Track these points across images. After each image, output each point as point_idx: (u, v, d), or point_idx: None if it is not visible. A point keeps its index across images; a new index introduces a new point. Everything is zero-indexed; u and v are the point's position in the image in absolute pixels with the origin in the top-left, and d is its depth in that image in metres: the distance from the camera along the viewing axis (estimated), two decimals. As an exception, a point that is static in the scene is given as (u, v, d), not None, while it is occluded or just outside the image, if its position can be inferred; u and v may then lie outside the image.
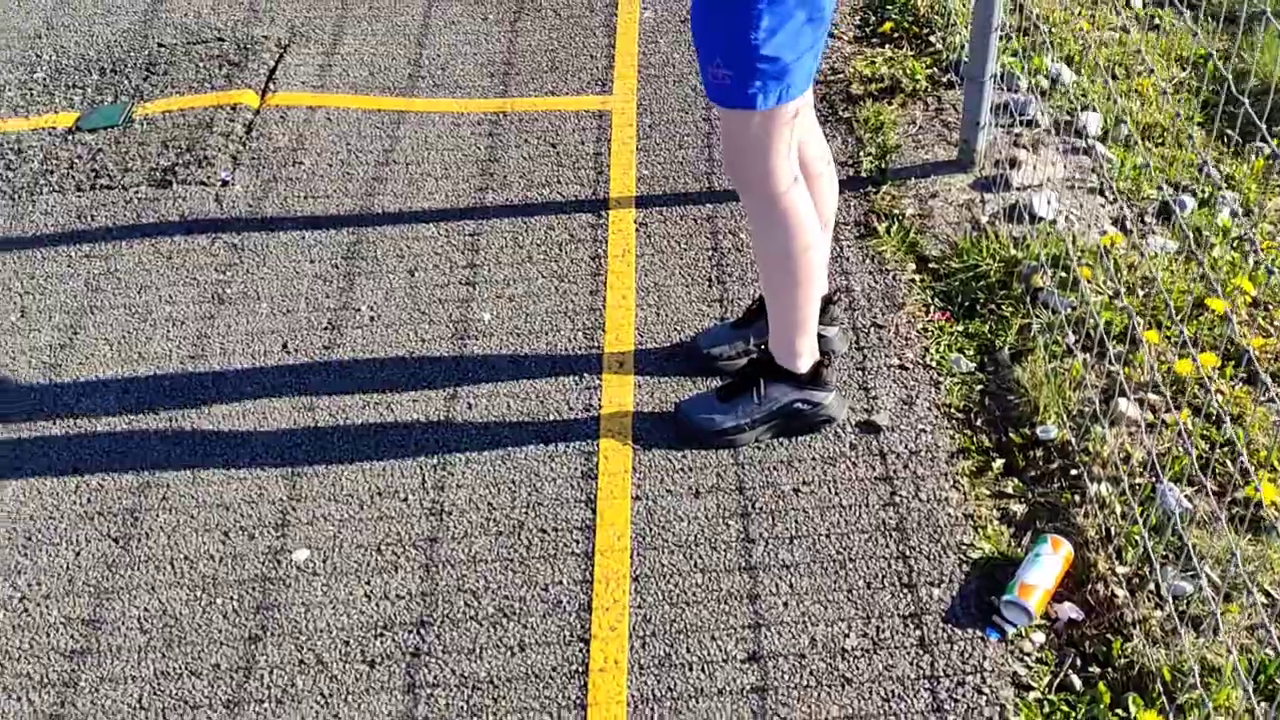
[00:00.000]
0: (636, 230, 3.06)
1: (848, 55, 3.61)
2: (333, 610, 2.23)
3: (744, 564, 2.28)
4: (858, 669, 2.10)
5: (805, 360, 2.43)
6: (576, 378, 2.67)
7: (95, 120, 3.43)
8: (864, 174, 3.18)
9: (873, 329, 2.75)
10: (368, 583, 2.28)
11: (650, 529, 2.36)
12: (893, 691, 2.06)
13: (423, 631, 2.19)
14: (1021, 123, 3.18)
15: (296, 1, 3.94)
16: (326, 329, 2.82)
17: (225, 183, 3.23)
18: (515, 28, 3.81)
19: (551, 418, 2.59)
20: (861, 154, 3.23)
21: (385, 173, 3.27)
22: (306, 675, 2.13)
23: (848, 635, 2.15)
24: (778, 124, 2.13)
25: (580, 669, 2.12)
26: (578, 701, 2.07)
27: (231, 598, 2.25)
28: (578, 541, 2.34)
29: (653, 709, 2.06)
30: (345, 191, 3.21)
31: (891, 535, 2.32)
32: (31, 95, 3.56)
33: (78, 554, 2.34)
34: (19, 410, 2.63)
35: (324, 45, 3.74)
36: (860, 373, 2.65)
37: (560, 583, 2.27)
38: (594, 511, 2.39)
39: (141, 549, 2.34)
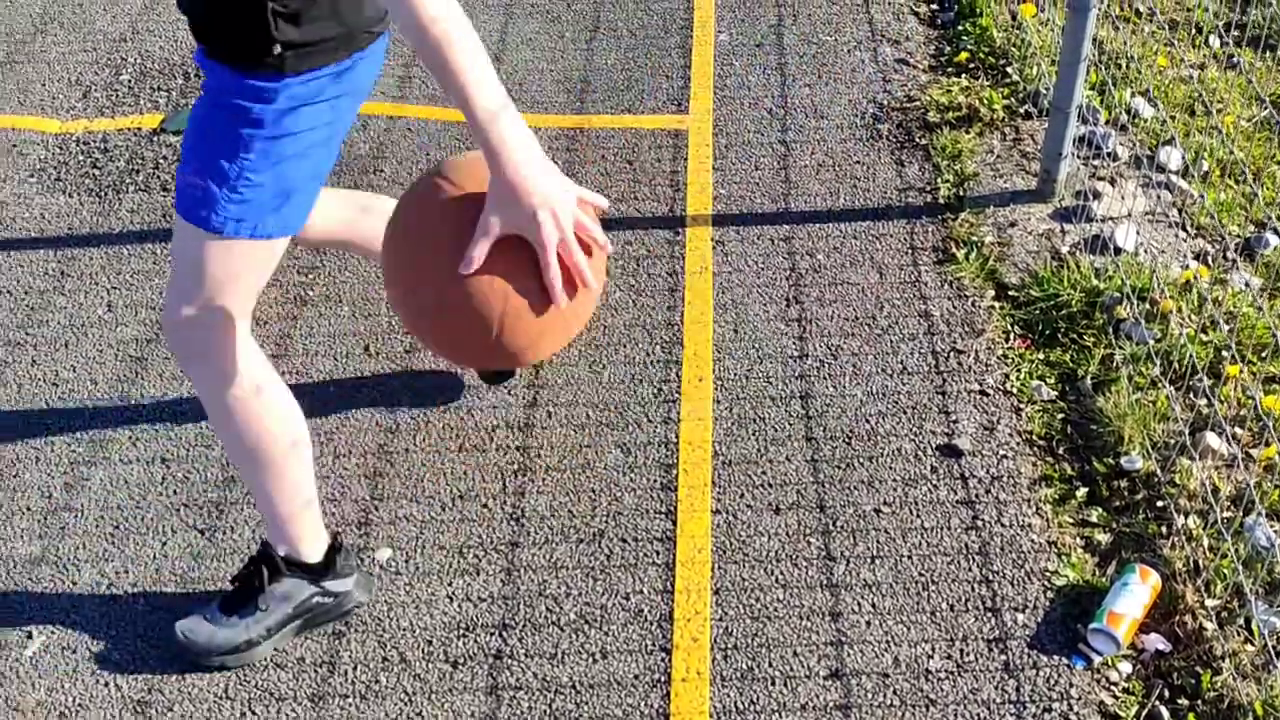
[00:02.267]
0: (713, 248, 3.08)
1: (923, 84, 3.63)
2: (415, 610, 2.24)
3: (825, 581, 2.28)
4: (942, 691, 2.09)
5: (311, 545, 2.11)
6: (655, 390, 2.69)
7: (179, 122, 3.49)
8: (941, 200, 3.19)
9: (952, 354, 2.75)
10: (450, 584, 2.29)
11: (730, 543, 2.36)
12: (978, 715, 2.05)
13: (505, 634, 2.20)
14: (1102, 155, 3.18)
15: (377, 13, 3.99)
16: (408, 334, 2.84)
17: (307, 187, 3.27)
18: (591, 46, 3.85)
19: (630, 430, 2.60)
20: (939, 180, 3.24)
21: (464, 183, 3.30)
22: (390, 672, 2.14)
23: (931, 657, 2.14)
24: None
25: (662, 678, 2.12)
26: (660, 711, 2.07)
27: (316, 593, 2.26)
28: (658, 552, 2.34)
29: (736, 721, 2.06)
30: (425, 200, 3.24)
31: (974, 559, 2.31)
32: (118, 97, 3.62)
33: (164, 544, 2.36)
34: (108, 402, 2.66)
35: (404, 57, 3.79)
36: (940, 396, 2.65)
37: (641, 592, 2.27)
38: (674, 523, 2.40)
39: (227, 541, 2.36)
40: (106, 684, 2.11)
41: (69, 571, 2.30)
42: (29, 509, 2.43)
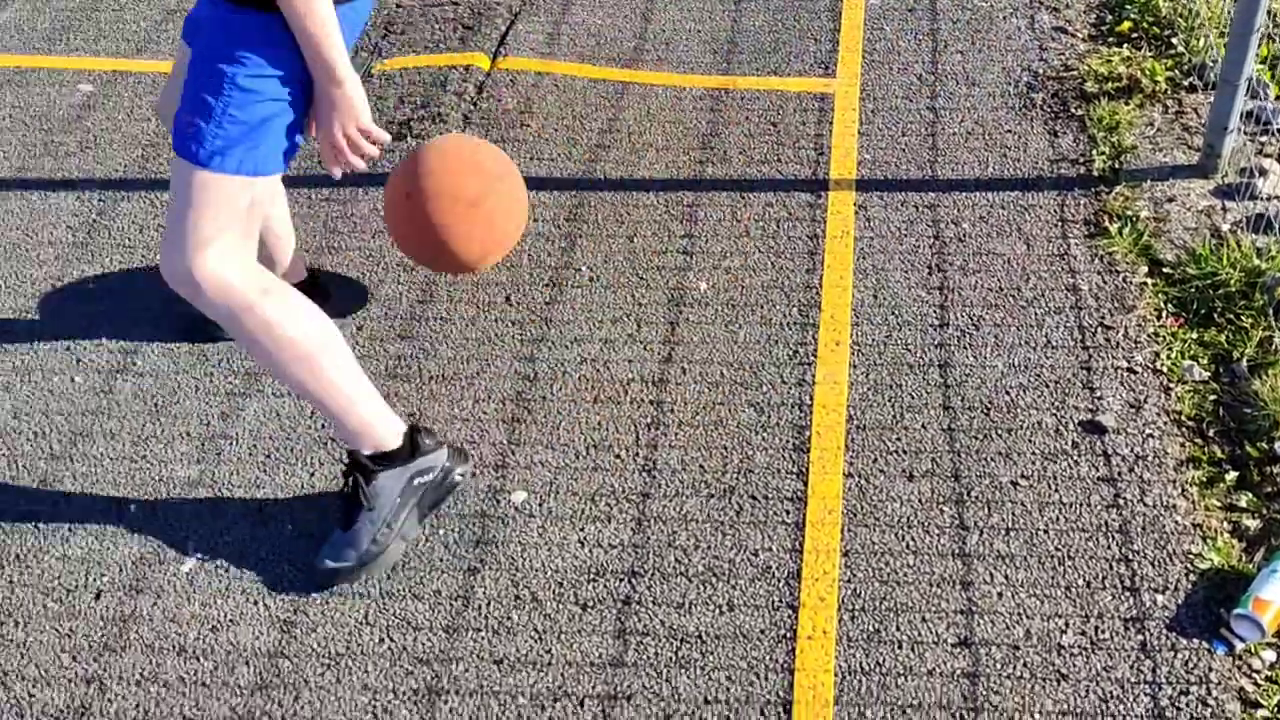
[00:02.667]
0: (855, 213, 3.05)
1: (1082, 53, 3.52)
2: (548, 552, 2.29)
3: (958, 550, 2.25)
4: (1074, 666, 2.06)
5: (385, 433, 2.19)
6: (791, 352, 2.68)
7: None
8: (1095, 172, 3.10)
9: (1100, 329, 2.68)
10: (581, 529, 2.33)
11: (862, 506, 2.35)
12: (1111, 693, 2.01)
13: (634, 581, 2.23)
14: (1270, 132, 3.05)
15: (528, -29, 4.04)
16: (548, 285, 2.89)
17: (456, 139, 3.34)
18: (739, 7, 3.83)
19: (765, 389, 2.60)
20: (1094, 152, 3.15)
21: (608, 140, 3.33)
22: (521, 610, 2.19)
23: (1064, 632, 2.11)
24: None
25: (788, 634, 2.13)
26: (785, 666, 2.08)
27: (453, 529, 2.33)
28: (788, 512, 2.35)
29: (860, 681, 2.06)
30: (569, 156, 3.28)
31: (1114, 537, 2.26)
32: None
33: (311, 475, 2.46)
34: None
35: (553, 15, 3.83)
36: (1085, 372, 2.58)
37: (769, 549, 2.28)
38: (805, 484, 2.40)
39: (370, 476, 2.45)
40: (256, 602, 2.22)
41: (223, 495, 2.42)
42: (189, 435, 2.55)
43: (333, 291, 2.79)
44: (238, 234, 2.03)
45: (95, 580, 2.26)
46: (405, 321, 2.81)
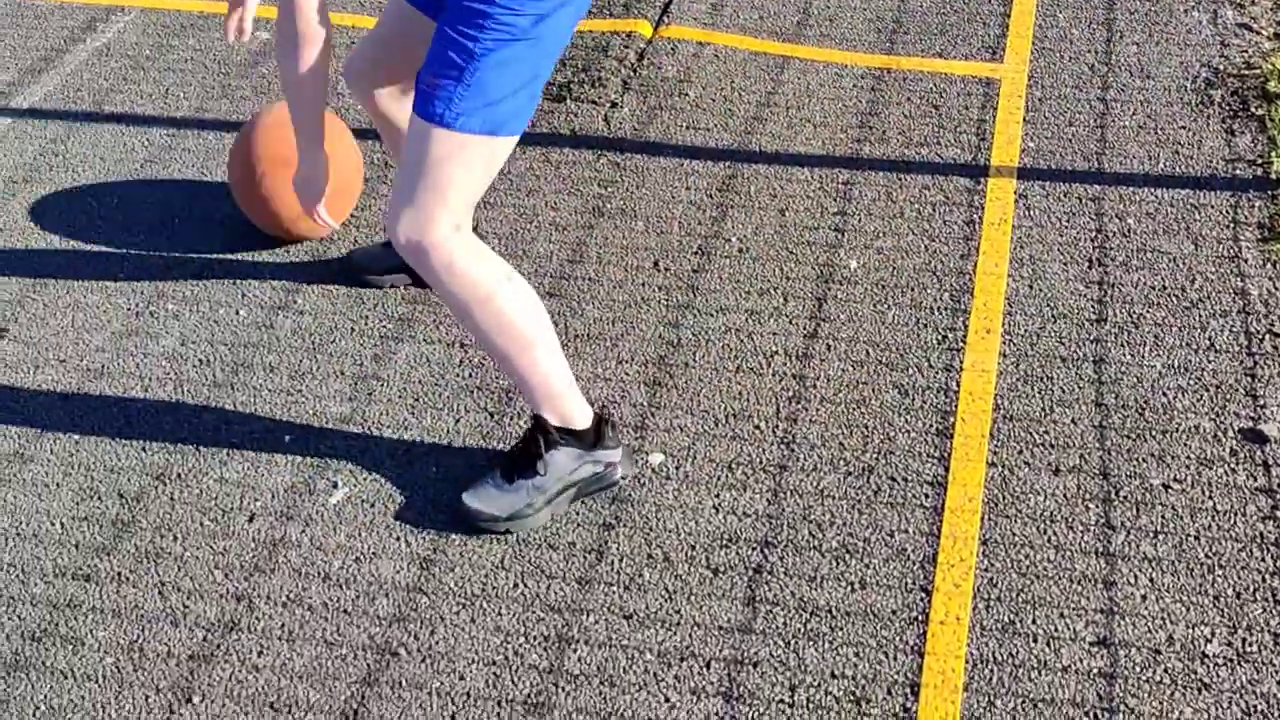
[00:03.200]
0: (1015, 201, 2.98)
1: (1266, 51, 3.37)
2: (682, 515, 2.31)
3: (1102, 549, 2.20)
4: (1218, 677, 1.99)
5: (578, 416, 2.23)
6: (939, 336, 2.64)
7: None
8: (1274, 175, 2.97)
9: (1268, 336, 2.58)
10: (716, 496, 2.34)
11: (1004, 497, 2.31)
12: (1255, 707, 1.95)
13: (766, 551, 2.24)
14: None
15: (695, -58, 4.04)
16: (696, 254, 2.90)
17: (614, 104, 3.37)
18: (907, -12, 3.77)
19: (910, 372, 2.57)
20: (1273, 154, 3.02)
21: (765, 113, 3.32)
22: (653, 569, 2.22)
23: (1209, 640, 2.04)
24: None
25: (920, 617, 2.11)
26: (915, 648, 2.07)
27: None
28: (927, 496, 2.32)
29: (992, 671, 2.03)
30: (725, 127, 3.28)
31: (1269, 550, 2.17)
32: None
33: (457, 421, 2.52)
34: (417, 288, 2.85)
35: (718, -14, 3.83)
36: (1249, 379, 2.49)
37: (906, 531, 2.26)
38: (946, 469, 2.37)
39: (513, 427, 2.50)
40: (398, 538, 2.29)
41: (372, 433, 2.49)
42: (343, 374, 2.64)
43: None
44: (471, 198, 2.07)
45: (249, 504, 2.36)
46: (554, 280, 2.85)
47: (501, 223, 3.01)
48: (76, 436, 2.51)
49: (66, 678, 2.08)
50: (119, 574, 2.24)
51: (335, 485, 2.39)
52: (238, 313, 2.79)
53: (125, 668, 2.09)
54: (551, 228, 2.99)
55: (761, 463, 2.40)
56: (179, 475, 2.42)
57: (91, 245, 2.99)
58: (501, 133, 2.03)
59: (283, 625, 2.15)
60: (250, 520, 2.33)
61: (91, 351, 2.71)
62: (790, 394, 2.54)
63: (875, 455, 2.40)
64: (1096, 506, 2.27)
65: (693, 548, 2.25)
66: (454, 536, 2.28)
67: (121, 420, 2.54)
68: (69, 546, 2.29)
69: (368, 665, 2.08)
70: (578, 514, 2.31)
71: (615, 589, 2.19)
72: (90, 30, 3.76)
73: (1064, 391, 2.50)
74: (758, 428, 2.48)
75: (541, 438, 2.24)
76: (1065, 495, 2.30)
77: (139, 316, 2.79)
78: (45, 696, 2.05)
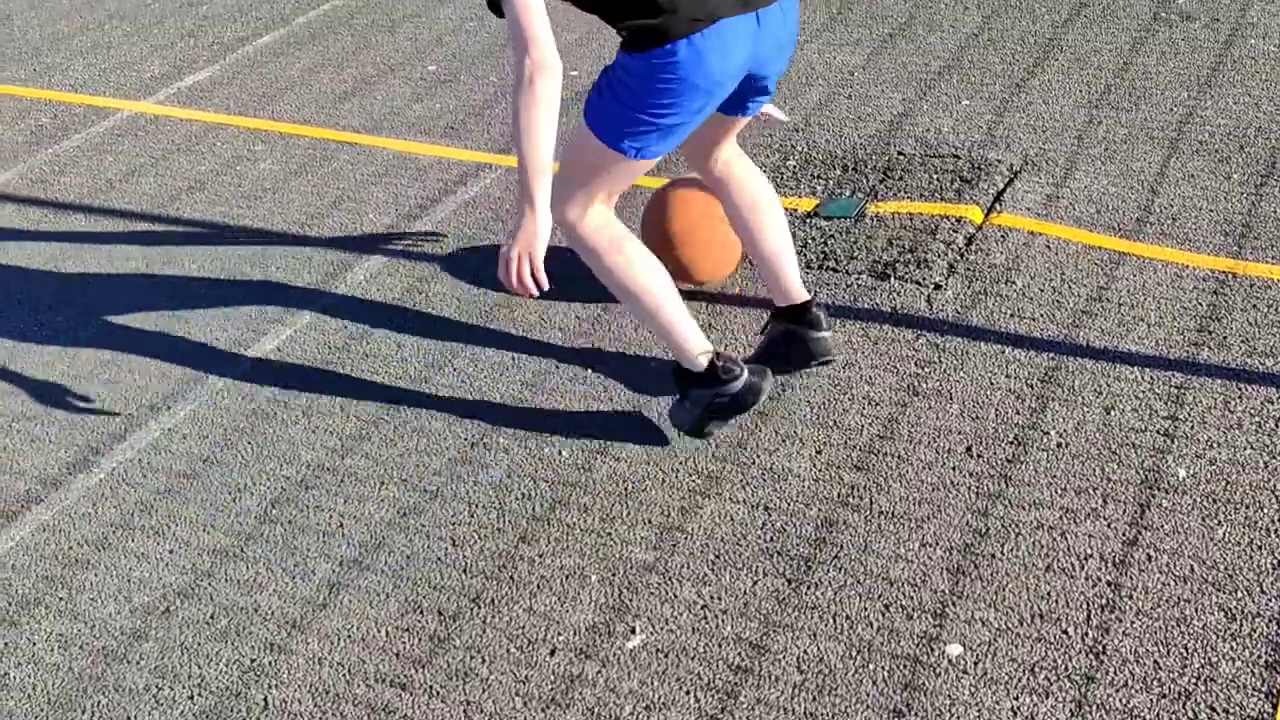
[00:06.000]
0: (1373, 424, 2.77)
1: None
2: (977, 712, 2.24)
3: None
4: None
5: (694, 359, 2.79)
6: (1275, 561, 2.47)
7: (833, 209, 3.78)
8: None
9: None
10: (1016, 699, 2.26)
11: (1343, 748, 2.10)
12: None
13: (1065, 766, 2.12)
14: None
15: (1033, 133, 4.06)
16: (1012, 443, 2.85)
17: (938, 287, 3.40)
18: (1260, 191, 3.63)
19: (1239, 595, 2.41)
20: None
21: (1095, 308, 3.25)
22: (942, 766, 2.15)
23: None
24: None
25: None
26: None
27: (883, 667, 2.34)
28: (1251, 733, 2.14)
29: None
30: (1051, 318, 3.24)
31: None
32: (782, 178, 4.00)
33: (755, 583, 2.57)
34: (729, 444, 2.94)
35: (1054, 176, 3.82)
36: None
37: (1224, 770, 2.09)
38: (1274, 707, 2.18)
39: (810, 596, 2.52)
40: (688, 692, 2.33)
41: (673, 585, 2.58)
42: (650, 522, 2.75)
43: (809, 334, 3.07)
44: (610, 192, 2.65)
45: (553, 637, 2.48)
46: (864, 453, 2.87)
47: (815, 392, 3.08)
48: (408, 552, 2.73)
49: (373, 777, 2.23)
50: (430, 687, 2.40)
51: (634, 630, 2.47)
52: (560, 453, 2.98)
53: (424, 776, 2.22)
54: (865, 401, 3.03)
55: (1067, 670, 2.30)
56: (493, 600, 2.58)
57: (440, 376, 3.29)
58: (624, 152, 2.56)
59: (570, 760, 2.23)
60: (551, 654, 2.44)
61: (429, 474, 2.96)
62: (1103, 601, 2.43)
63: (1194, 680, 2.25)
64: None
65: (986, 749, 2.17)
66: (742, 699, 2.30)
67: (448, 542, 2.75)
68: (390, 655, 2.48)
69: (646, 815, 2.12)
70: (868, 694, 2.29)
71: (900, 780, 2.13)
72: (461, 184, 4.19)
73: None
74: (1065, 633, 2.38)
75: (679, 378, 2.86)
76: None
77: (474, 447, 3.03)
78: (352, 791, 2.20)
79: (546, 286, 2.43)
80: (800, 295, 3.02)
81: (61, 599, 2.77)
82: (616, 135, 2.51)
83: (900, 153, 4.05)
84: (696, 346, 2.78)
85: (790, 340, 3.04)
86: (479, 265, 3.72)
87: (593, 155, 2.57)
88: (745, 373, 2.80)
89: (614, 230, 2.68)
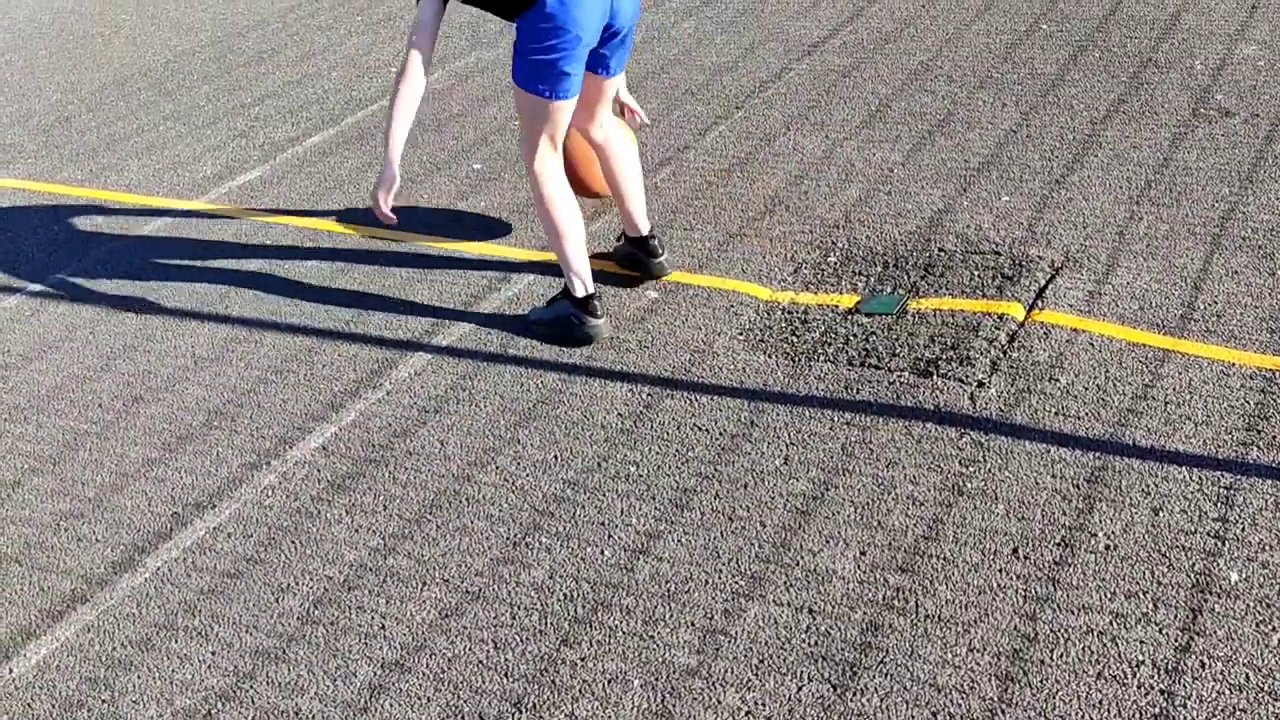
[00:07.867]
0: None
1: None
2: (1029, 828, 2.18)
3: None
4: None
5: (579, 287, 3.72)
6: (1336, 671, 2.40)
7: (873, 306, 3.79)
8: None
9: None
10: (1069, 813, 2.20)
11: None
12: None
13: None
14: None
15: (1074, 229, 4.07)
16: (1059, 545, 2.81)
17: (981, 384, 3.39)
18: (1306, 286, 3.61)
19: (1299, 706, 2.34)
20: None
21: (1141, 406, 3.23)
22: None
23: None
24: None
25: None
26: None
27: (932, 779, 2.29)
28: None
29: None
30: (1097, 416, 3.21)
31: None
32: (823, 275, 4.02)
33: (799, 689, 2.53)
34: (771, 545, 2.92)
35: (1096, 273, 3.82)
36: None
37: None
38: (1341, 826, 2.11)
39: (855, 703, 2.47)
40: (731, 803, 2.29)
41: (716, 690, 2.54)
42: (693, 625, 2.72)
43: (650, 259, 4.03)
44: (547, 135, 3.60)
45: (594, 743, 2.45)
46: (909, 555, 2.84)
47: (859, 490, 3.06)
48: (450, 655, 2.72)
49: None
50: (470, 794, 2.37)
51: (676, 738, 2.44)
52: (603, 553, 2.97)
53: None
54: (909, 501, 3.01)
55: (1121, 784, 2.24)
56: (534, 706, 2.56)
57: (483, 473, 3.30)
58: (543, 96, 3.54)
59: None
60: (593, 760, 2.41)
61: (471, 574, 2.96)
62: (1156, 710, 2.38)
63: (1255, 796, 2.19)
64: None
65: None
66: (788, 811, 2.26)
67: (490, 645, 2.74)
68: (430, 759, 2.46)
69: None
70: (916, 808, 2.23)
71: None
72: (505, 280, 4.24)
73: None
74: (1119, 743, 2.32)
75: (562, 292, 3.79)
76: None
77: (516, 546, 3.03)
78: None
79: (394, 220, 3.64)
80: (645, 228, 4.01)
81: (104, 702, 2.77)
82: (531, 82, 3.49)
83: (941, 249, 4.07)
84: (586, 280, 3.73)
85: (634, 260, 4.06)
86: (523, 362, 3.75)
87: (525, 106, 3.56)
88: (603, 320, 3.74)
89: (557, 184, 3.69)
